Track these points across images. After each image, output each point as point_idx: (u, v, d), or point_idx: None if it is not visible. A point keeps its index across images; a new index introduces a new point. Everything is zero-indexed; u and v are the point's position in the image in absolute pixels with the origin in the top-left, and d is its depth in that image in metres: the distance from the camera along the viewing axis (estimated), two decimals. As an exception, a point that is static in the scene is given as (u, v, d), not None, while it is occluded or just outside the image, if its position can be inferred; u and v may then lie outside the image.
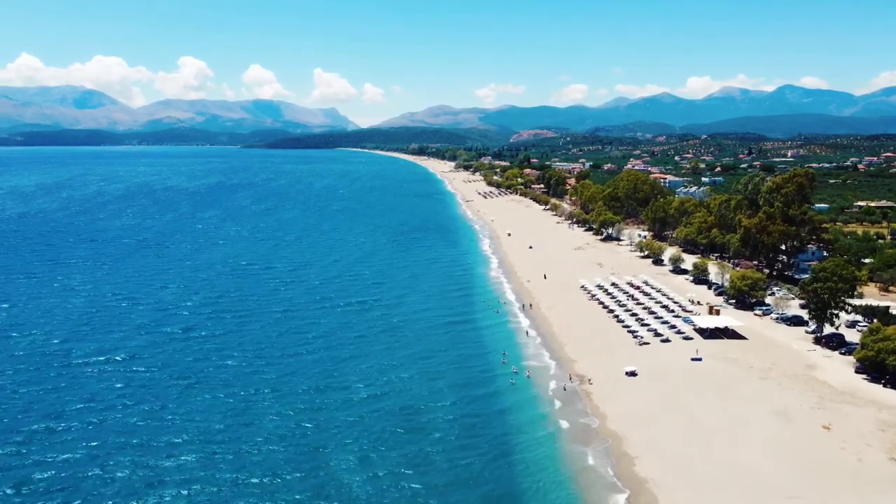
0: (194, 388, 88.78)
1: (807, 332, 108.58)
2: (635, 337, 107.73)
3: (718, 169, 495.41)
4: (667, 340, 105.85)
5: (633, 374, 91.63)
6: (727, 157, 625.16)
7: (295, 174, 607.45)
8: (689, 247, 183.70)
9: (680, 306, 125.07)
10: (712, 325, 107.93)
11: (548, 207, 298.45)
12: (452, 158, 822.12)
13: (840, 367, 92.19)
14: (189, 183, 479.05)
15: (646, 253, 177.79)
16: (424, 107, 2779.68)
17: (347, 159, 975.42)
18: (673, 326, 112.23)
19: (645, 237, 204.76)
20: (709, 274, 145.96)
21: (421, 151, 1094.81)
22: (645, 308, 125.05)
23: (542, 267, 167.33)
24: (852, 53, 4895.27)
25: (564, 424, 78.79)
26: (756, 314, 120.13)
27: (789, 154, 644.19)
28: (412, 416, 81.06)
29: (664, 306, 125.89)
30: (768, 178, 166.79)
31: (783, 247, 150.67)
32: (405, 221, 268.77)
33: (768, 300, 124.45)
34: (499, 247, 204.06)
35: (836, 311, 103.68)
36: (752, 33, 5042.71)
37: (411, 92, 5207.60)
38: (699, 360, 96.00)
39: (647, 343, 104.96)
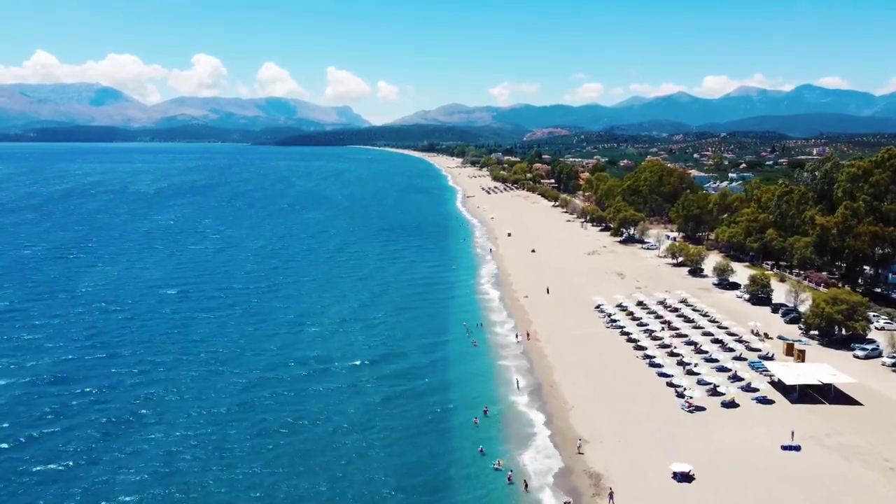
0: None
1: (953, 391, 69.78)
2: (680, 395, 69.25)
3: (743, 166, 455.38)
4: (732, 405, 67.11)
5: (685, 476, 53.25)
6: (749, 155, 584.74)
7: (285, 172, 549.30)
8: (734, 252, 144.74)
9: (741, 341, 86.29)
10: (801, 381, 69.04)
11: (557, 204, 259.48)
12: (461, 155, 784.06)
13: None
14: (156, 183, 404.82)
15: (679, 260, 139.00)
16: (438, 105, 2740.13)
17: (353, 157, 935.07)
18: (737, 377, 73.60)
19: (674, 239, 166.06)
20: (771, 291, 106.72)
21: (430, 148, 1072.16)
22: (689, 343, 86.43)
23: (546, 277, 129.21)
24: (873, 53, 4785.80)
25: None
26: (856, 356, 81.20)
27: (815, 152, 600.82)
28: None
29: (717, 340, 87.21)
30: (846, 163, 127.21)
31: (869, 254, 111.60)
32: (393, 222, 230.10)
33: (875, 335, 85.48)
34: (495, 250, 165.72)
35: None
36: (770, 33, 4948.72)
37: (425, 90, 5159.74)
38: (796, 448, 57.42)
39: (702, 409, 66.32)
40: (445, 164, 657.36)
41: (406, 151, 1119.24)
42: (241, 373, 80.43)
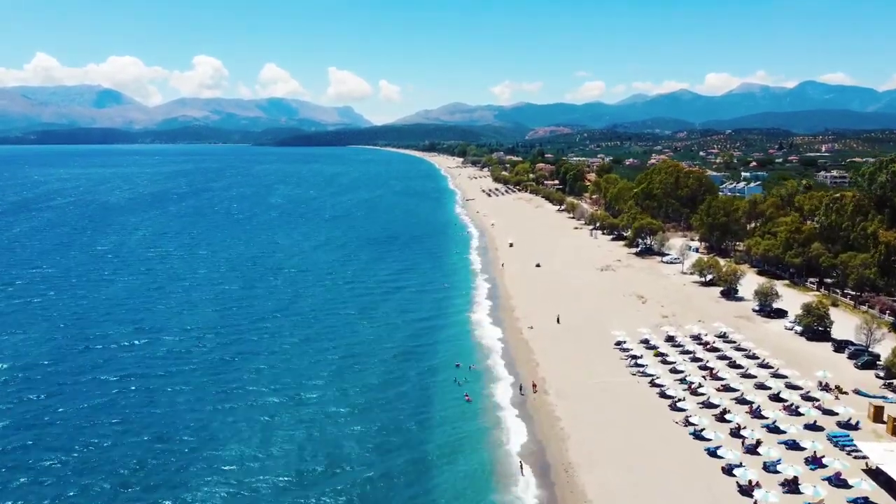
0: None
1: None
2: (745, 492, 50.18)
3: (754, 164, 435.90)
4: (822, 512, 48.09)
5: None
6: (756, 153, 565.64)
7: (277, 177, 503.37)
8: (769, 267, 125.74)
9: (808, 398, 67.08)
10: (917, 474, 49.90)
11: (563, 208, 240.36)
12: (462, 154, 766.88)
13: None
14: (129, 191, 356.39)
15: (708, 278, 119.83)
16: (440, 104, 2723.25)
17: (352, 158, 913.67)
18: (818, 462, 54.45)
19: (696, 250, 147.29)
20: (830, 324, 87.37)
21: (432, 148, 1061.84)
22: (741, 402, 67.26)
23: (553, 299, 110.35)
24: (875, 49, 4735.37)
25: None
26: (965, 421, 61.96)
27: (824, 149, 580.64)
28: None
29: (777, 397, 68.04)
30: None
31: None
32: (383, 233, 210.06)
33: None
34: (495, 264, 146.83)
35: None
36: (773, 29, 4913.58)
37: (427, 90, 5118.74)
38: None
39: (780, 517, 47.36)
40: (446, 165, 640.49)
41: (407, 151, 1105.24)
42: (128, 477, 59.80)
